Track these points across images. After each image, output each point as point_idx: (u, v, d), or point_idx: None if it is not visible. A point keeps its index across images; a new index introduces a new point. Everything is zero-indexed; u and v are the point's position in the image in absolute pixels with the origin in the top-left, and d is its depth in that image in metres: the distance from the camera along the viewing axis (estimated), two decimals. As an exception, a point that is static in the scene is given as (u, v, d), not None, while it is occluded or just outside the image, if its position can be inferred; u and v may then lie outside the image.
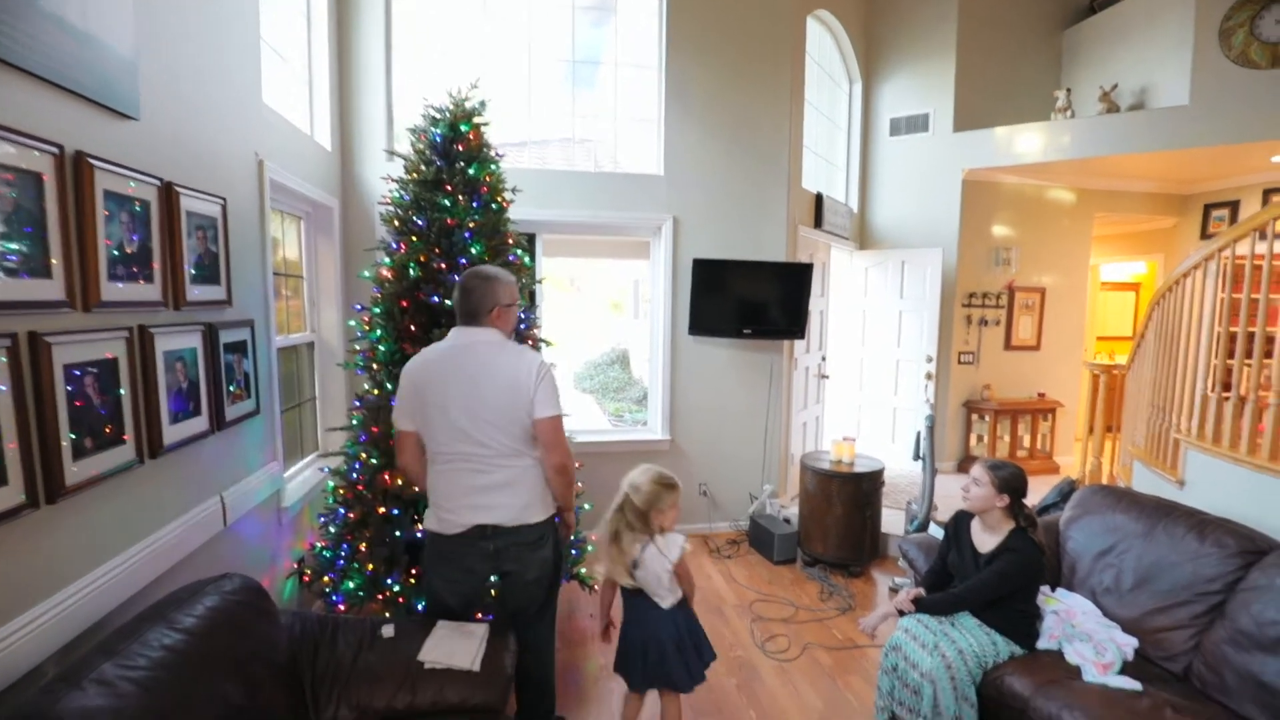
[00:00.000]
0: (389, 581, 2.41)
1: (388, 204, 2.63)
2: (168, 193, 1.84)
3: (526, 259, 2.88)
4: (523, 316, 2.73)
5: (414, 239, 2.54)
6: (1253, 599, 1.93)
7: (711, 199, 4.05)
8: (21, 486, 1.33)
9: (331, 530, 2.54)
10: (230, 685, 1.46)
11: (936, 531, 3.04)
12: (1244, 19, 4.23)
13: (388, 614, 2.26)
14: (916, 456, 3.48)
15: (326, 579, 2.50)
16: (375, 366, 2.57)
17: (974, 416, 5.32)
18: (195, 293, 1.99)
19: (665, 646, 1.98)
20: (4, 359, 1.29)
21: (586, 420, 7.33)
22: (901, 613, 2.27)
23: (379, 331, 2.56)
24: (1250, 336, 2.52)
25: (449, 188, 2.57)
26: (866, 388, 5.44)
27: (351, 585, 2.42)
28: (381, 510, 2.47)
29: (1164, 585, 2.18)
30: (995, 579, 2.17)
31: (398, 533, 2.45)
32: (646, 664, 1.99)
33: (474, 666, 1.78)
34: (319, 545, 2.57)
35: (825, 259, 4.98)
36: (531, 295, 2.93)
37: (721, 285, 4.00)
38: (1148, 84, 4.66)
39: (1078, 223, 5.43)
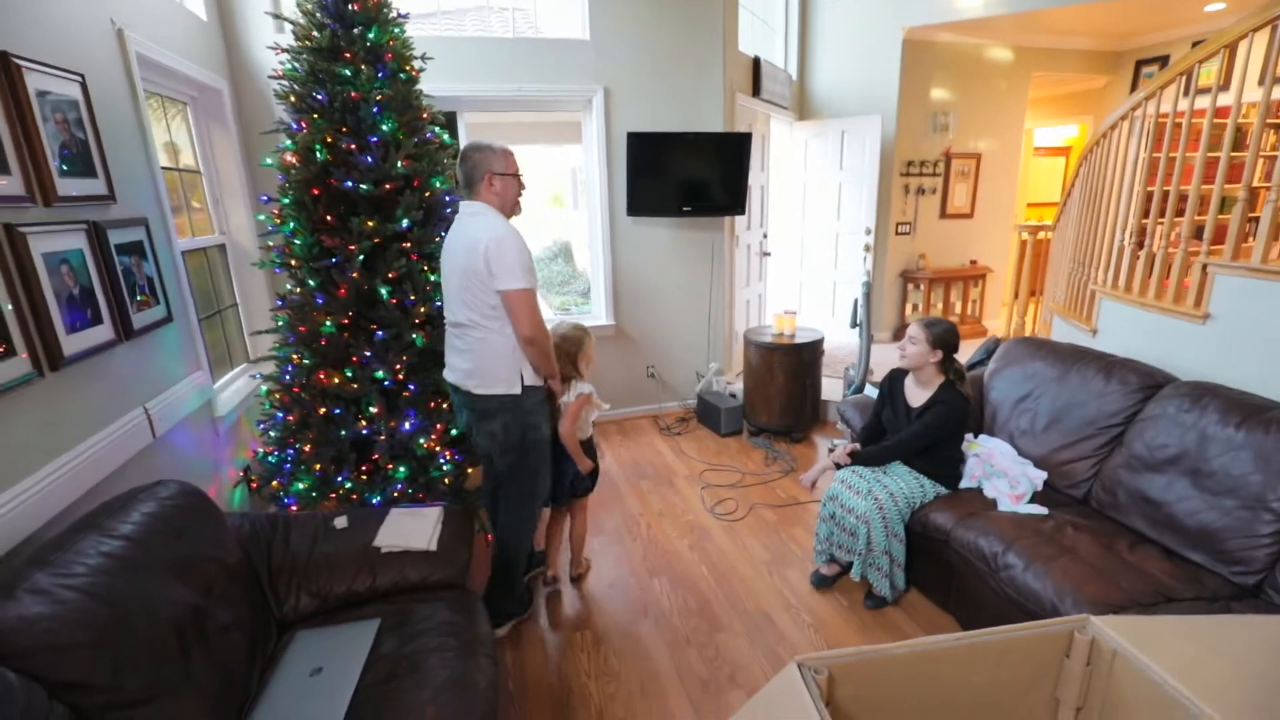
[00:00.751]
0: (340, 479, 2.40)
1: (280, 77, 2.35)
2: (5, 64, 1.57)
3: (445, 137, 2.66)
4: (447, 199, 2.57)
5: (316, 116, 2.30)
6: (1147, 427, 2.13)
7: (644, 66, 3.78)
8: (-103, 404, 1.21)
9: (273, 435, 2.48)
10: (181, 586, 1.44)
11: (872, 393, 3.20)
12: None
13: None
14: (854, 324, 3.59)
15: (275, 483, 2.48)
16: (294, 263, 2.40)
17: (910, 286, 5.48)
18: (68, 187, 1.76)
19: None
20: None
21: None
22: (839, 466, 2.42)
23: (292, 224, 2.37)
24: (1165, 195, 2.60)
25: (348, 55, 2.30)
26: (807, 263, 5.50)
27: (301, 486, 2.41)
28: (322, 410, 2.41)
29: (1072, 423, 2.38)
30: (924, 429, 2.32)
31: (342, 432, 2.41)
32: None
33: (430, 546, 1.82)
34: (262, 451, 2.51)
35: (765, 130, 4.82)
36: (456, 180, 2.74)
37: (659, 161, 3.84)
38: (1091, -74, 4.46)
39: (1014, 83, 5.37)
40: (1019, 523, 2.10)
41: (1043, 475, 2.36)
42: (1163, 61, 5.30)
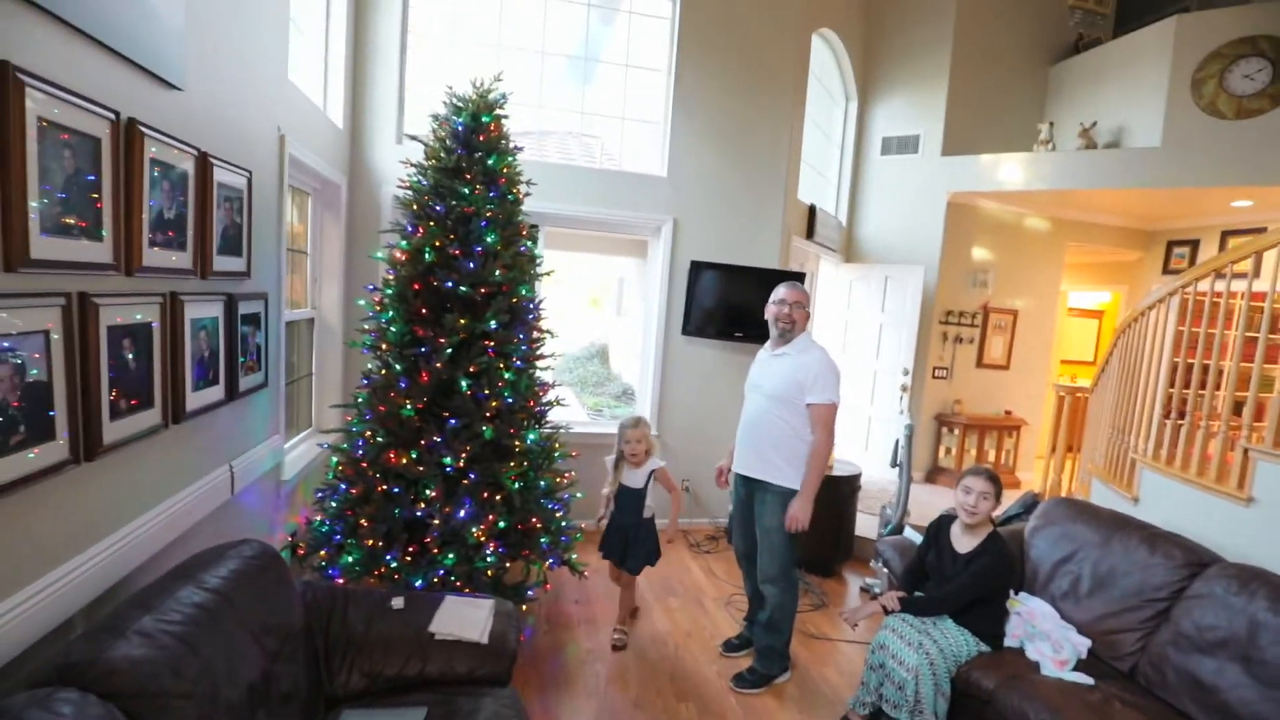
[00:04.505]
0: (388, 558, 2.46)
1: (406, 187, 2.68)
2: (204, 163, 1.87)
3: (535, 250, 2.95)
4: (530, 306, 2.81)
5: (431, 224, 2.59)
6: (1195, 606, 2.12)
7: (711, 203, 4.16)
8: (66, 442, 1.37)
9: (332, 505, 2.58)
10: (256, 647, 1.51)
11: (910, 534, 3.21)
12: (1215, 71, 4.51)
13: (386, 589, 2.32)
14: (894, 463, 3.66)
15: (323, 553, 2.55)
16: (384, 346, 2.62)
17: (944, 429, 5.55)
18: (220, 263, 2.02)
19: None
20: (59, 318, 1.32)
21: (568, 414, 7.37)
22: (887, 611, 2.41)
23: (391, 313, 2.61)
24: (1205, 368, 2.74)
25: (468, 176, 2.63)
26: (844, 396, 5.62)
27: (350, 559, 2.47)
28: (382, 488, 2.52)
29: (1117, 591, 2.37)
30: (976, 579, 2.33)
31: (397, 510, 2.51)
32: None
33: (482, 639, 1.86)
34: (317, 519, 2.60)
35: (814, 269, 5.14)
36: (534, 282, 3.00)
37: (715, 288, 4.12)
38: (1124, 124, 4.93)
39: (1051, 250, 5.70)
40: (1064, 691, 2.06)
41: (1087, 643, 2.32)
42: (1193, 245, 5.62)
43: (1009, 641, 2.37)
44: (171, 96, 1.71)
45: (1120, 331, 3.52)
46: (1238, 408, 2.75)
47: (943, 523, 2.54)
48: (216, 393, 2.05)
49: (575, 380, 10.13)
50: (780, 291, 2.66)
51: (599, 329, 11.34)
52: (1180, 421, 2.78)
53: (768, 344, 2.76)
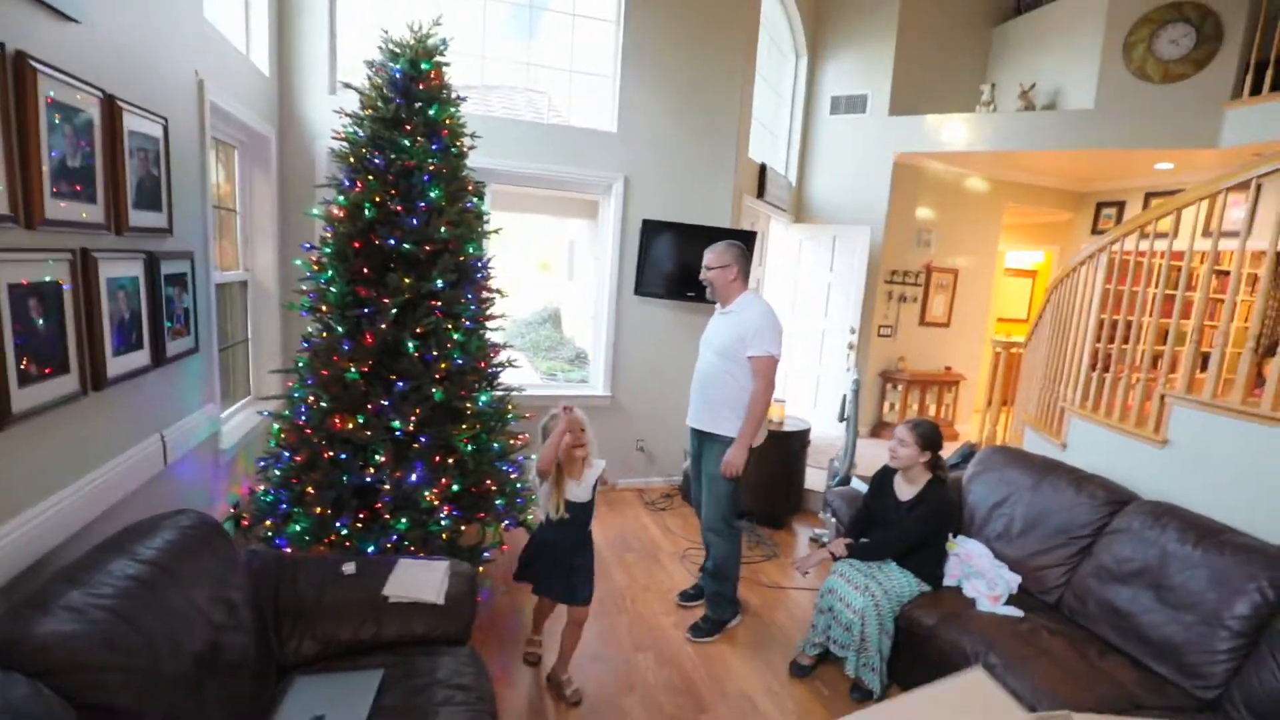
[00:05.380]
0: (338, 525, 2.40)
1: (341, 139, 2.53)
2: (110, 106, 1.71)
3: (482, 206, 2.85)
4: (478, 264, 2.73)
5: (370, 178, 2.46)
6: (1114, 541, 2.29)
7: (663, 161, 4.10)
8: (-31, 411, 1.26)
9: (276, 473, 2.48)
10: (200, 617, 1.45)
11: (858, 485, 3.34)
12: (1144, 35, 4.67)
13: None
14: (842, 418, 3.77)
15: (269, 523, 2.46)
16: (325, 308, 2.50)
17: (889, 386, 5.75)
18: (137, 218, 1.87)
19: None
20: (-50, 274, 1.20)
21: (521, 379, 7.30)
22: (835, 557, 2.51)
23: (330, 273, 2.48)
24: (1129, 324, 2.90)
25: (409, 128, 2.49)
26: (794, 355, 5.74)
27: (298, 528, 2.40)
28: (329, 454, 2.44)
29: (1045, 530, 2.53)
30: (918, 524, 2.45)
31: (345, 476, 2.43)
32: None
33: (438, 599, 1.84)
34: (260, 489, 2.51)
35: (765, 229, 5.16)
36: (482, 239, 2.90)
37: (667, 247, 4.09)
38: (1061, 86, 5.07)
39: (990, 211, 5.89)
40: (998, 623, 2.20)
41: (1017, 578, 2.48)
42: (1119, 206, 5.89)
43: (948, 581, 2.51)
44: (69, 29, 1.54)
45: (1052, 289, 3.68)
46: (1156, 360, 2.94)
47: (886, 472, 2.64)
48: (141, 358, 1.93)
49: (528, 345, 10.00)
50: (704, 257, 2.72)
51: (550, 293, 11.20)
52: (1105, 374, 2.95)
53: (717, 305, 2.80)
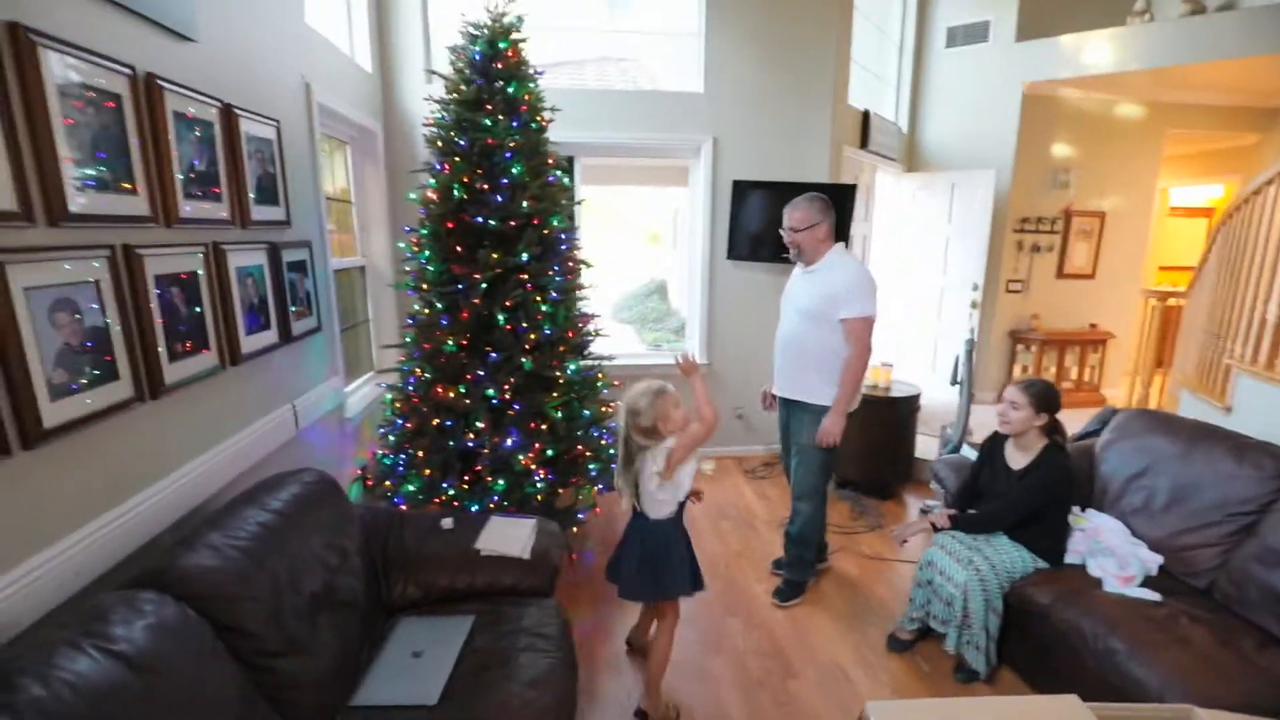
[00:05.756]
0: (445, 485, 2.61)
1: (431, 125, 2.68)
2: (228, 114, 1.93)
3: (565, 180, 2.91)
4: (563, 236, 2.79)
5: (457, 160, 2.59)
6: (1278, 519, 1.95)
7: (753, 117, 3.93)
8: (130, 383, 1.50)
9: (391, 439, 2.74)
10: (317, 561, 1.65)
11: (969, 454, 3.09)
12: (1363, -99, 3.75)
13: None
14: (954, 381, 3.49)
15: (388, 483, 2.73)
16: (425, 286, 2.69)
17: (1019, 347, 5.22)
18: (259, 213, 2.11)
19: (658, 556, 1.96)
20: (107, 268, 1.43)
21: (626, 347, 7.45)
22: (936, 529, 2.36)
23: (427, 253, 2.66)
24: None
25: (489, 107, 2.59)
26: (910, 316, 5.37)
27: (411, 488, 2.64)
28: (435, 421, 2.65)
29: (1195, 505, 2.21)
30: (1027, 495, 2.23)
31: (451, 442, 2.63)
32: (643, 578, 1.97)
33: (524, 554, 1.96)
34: (380, 453, 2.78)
35: (870, 181, 4.82)
36: (571, 216, 2.97)
37: (760, 208, 3.95)
38: (1241, -19, 4.22)
39: (1146, 141, 5.08)
40: (1127, 606, 1.97)
41: (1158, 559, 2.19)
42: (1326, 121, 4.86)
43: (1070, 558, 2.28)
44: (187, 49, 1.75)
45: (1220, 224, 3.14)
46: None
47: (997, 440, 2.42)
48: (270, 336, 2.19)
49: (635, 317, 10.18)
50: (785, 216, 2.54)
51: (658, 265, 11.25)
52: None
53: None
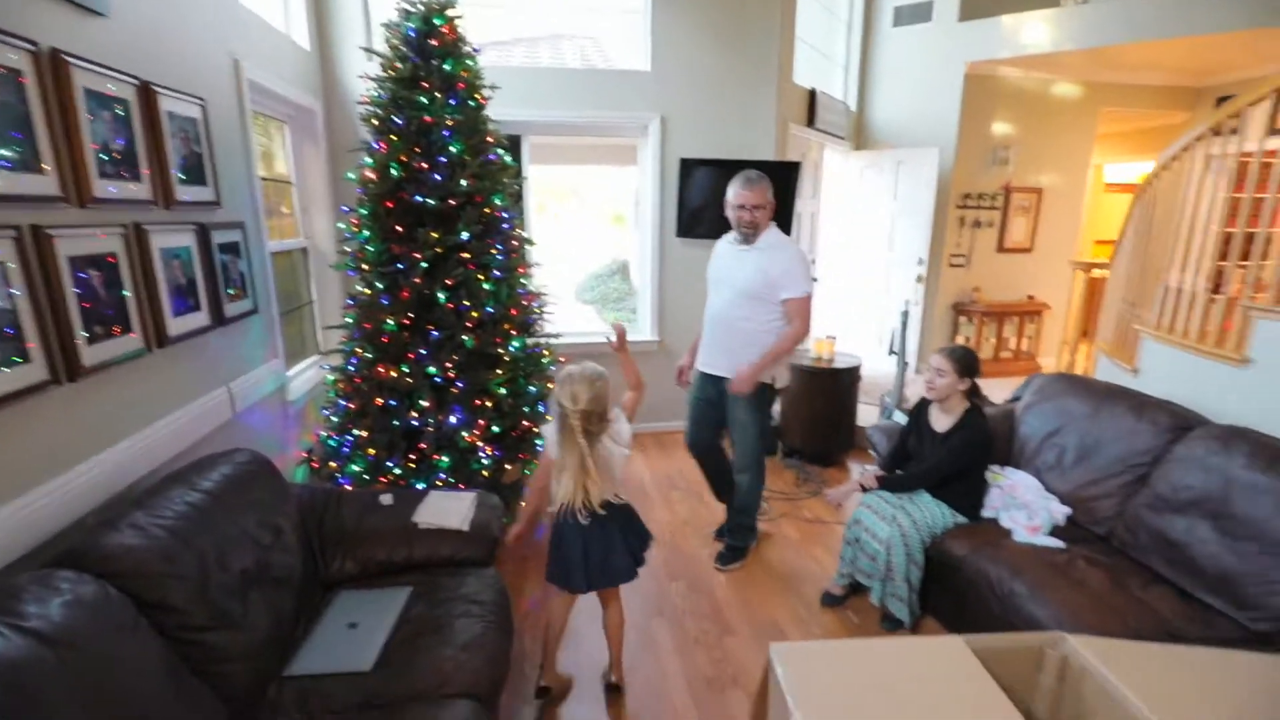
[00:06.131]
0: (390, 465, 2.63)
1: (367, 103, 2.65)
2: (146, 92, 1.89)
3: (508, 158, 2.91)
4: (505, 215, 2.81)
5: (394, 138, 2.57)
6: (1173, 469, 2.11)
7: (700, 95, 3.97)
8: (45, 365, 1.49)
9: (334, 421, 2.75)
10: (248, 539, 1.68)
11: (899, 419, 3.22)
12: (1276, -115, 3.91)
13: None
14: (891, 351, 3.62)
15: (333, 464, 2.74)
16: (365, 267, 2.68)
17: (961, 319, 5.41)
18: (184, 193, 2.08)
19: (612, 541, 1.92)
20: (13, 249, 1.41)
21: (580, 326, 7.47)
22: (865, 489, 2.48)
23: (367, 232, 2.65)
24: (1246, 236, 2.56)
25: (425, 85, 2.57)
26: (857, 290, 5.51)
27: (356, 468, 2.66)
28: (379, 401, 2.66)
29: (1100, 460, 2.37)
30: (951, 455, 2.36)
31: (395, 421, 2.65)
32: (589, 565, 1.92)
33: (464, 526, 2.01)
34: (324, 435, 2.78)
35: (818, 159, 4.91)
36: (516, 196, 2.98)
37: (707, 185, 4.00)
38: (1168, -38, 4.38)
39: (1081, 119, 5.27)
40: (1032, 554, 2.11)
41: (1066, 510, 2.35)
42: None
43: (986, 513, 2.42)
44: (97, 24, 1.71)
45: (1136, 197, 3.30)
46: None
47: (923, 404, 2.54)
48: (201, 319, 2.17)
49: (597, 297, 10.20)
50: (740, 194, 2.54)
51: (622, 245, 11.25)
52: (1217, 295, 2.62)
53: (728, 237, 2.71)
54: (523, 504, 1.90)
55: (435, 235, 2.58)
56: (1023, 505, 2.35)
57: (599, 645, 2.14)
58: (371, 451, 2.63)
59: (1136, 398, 2.42)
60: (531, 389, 2.89)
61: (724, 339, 2.65)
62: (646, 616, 2.43)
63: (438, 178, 2.59)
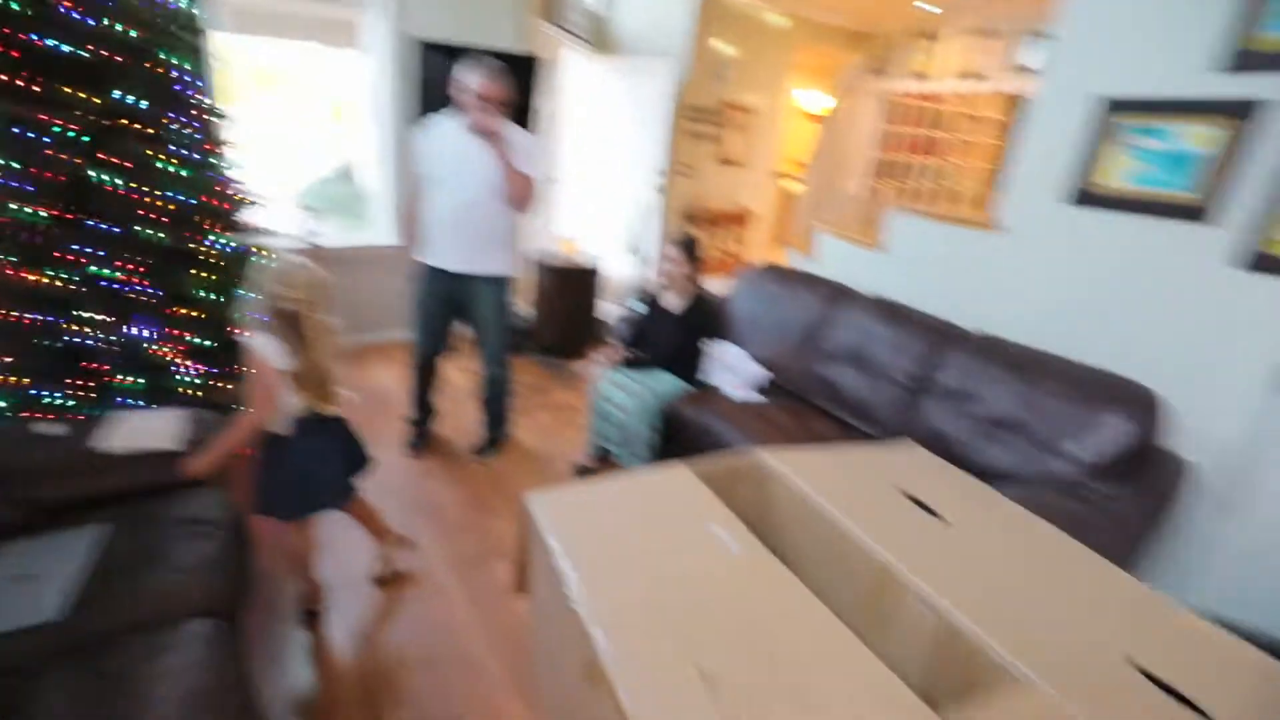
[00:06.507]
0: (46, 395, 2.12)
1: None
2: None
3: (187, 4, 2.34)
4: (187, 80, 2.29)
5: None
6: (830, 330, 2.72)
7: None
8: None
9: (-50, 346, 2.08)
10: None
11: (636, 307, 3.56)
12: None
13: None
14: (631, 250, 3.92)
15: (-43, 402, 2.10)
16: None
17: (689, 225, 5.99)
18: None
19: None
20: None
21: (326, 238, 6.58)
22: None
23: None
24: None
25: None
26: (600, 194, 5.71)
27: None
28: (17, 316, 2.08)
29: (788, 331, 2.92)
30: (685, 331, 2.73)
31: (47, 341, 2.11)
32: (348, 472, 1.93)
33: (175, 446, 1.74)
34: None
35: (557, 58, 4.85)
36: (197, 54, 2.41)
37: (446, 75, 3.72)
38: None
39: (783, 50, 5.99)
40: (741, 408, 2.58)
41: (763, 370, 2.86)
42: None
43: (704, 378, 2.86)
44: None
45: (822, 125, 3.94)
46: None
47: (654, 294, 2.84)
48: None
49: (329, 204, 8.99)
50: (484, 85, 2.36)
51: (343, 146, 9.91)
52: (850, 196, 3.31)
53: (449, 123, 2.54)
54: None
55: (83, 96, 2.01)
56: (730, 369, 2.82)
57: (353, 546, 2.09)
58: (15, 379, 2.08)
59: (810, 278, 3.03)
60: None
61: (467, 233, 2.55)
62: (410, 514, 2.41)
63: (82, 18, 1.98)
